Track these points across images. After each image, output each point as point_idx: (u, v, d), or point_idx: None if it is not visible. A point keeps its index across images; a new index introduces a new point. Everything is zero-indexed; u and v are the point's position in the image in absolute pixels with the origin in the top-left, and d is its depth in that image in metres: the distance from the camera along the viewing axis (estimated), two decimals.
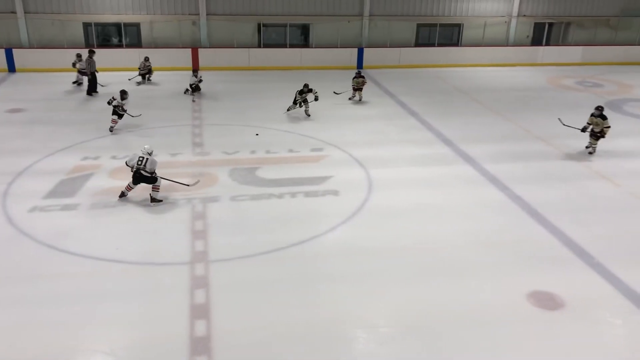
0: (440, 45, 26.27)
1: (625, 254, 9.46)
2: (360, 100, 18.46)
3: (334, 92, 14.55)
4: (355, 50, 24.50)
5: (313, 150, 13.96)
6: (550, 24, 27.32)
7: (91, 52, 18.50)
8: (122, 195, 10.80)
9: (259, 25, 24.27)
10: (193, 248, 9.24)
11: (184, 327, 7.29)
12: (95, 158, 12.94)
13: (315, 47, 24.70)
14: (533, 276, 8.65)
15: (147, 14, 22.91)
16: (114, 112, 14.69)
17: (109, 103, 14.63)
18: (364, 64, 24.45)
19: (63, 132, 14.76)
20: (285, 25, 24.58)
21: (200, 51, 23.00)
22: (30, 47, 21.99)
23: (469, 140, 14.90)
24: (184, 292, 8.03)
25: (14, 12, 21.64)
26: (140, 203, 10.76)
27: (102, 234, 9.61)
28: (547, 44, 27.42)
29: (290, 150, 13.89)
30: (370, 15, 24.95)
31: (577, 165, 13.44)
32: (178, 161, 12.95)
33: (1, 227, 9.77)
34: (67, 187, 11.43)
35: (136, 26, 23.15)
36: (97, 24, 22.81)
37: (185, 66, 22.62)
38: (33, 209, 10.42)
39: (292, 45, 24.76)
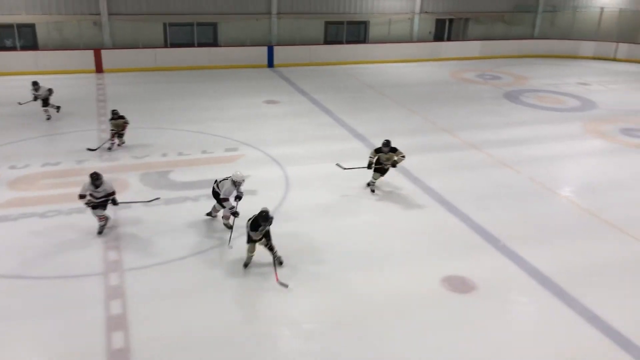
0: (348, 42, 26.75)
1: (528, 235, 10.09)
2: (121, 145, 13.55)
3: (338, 165, 11.70)
4: (265, 48, 24.43)
5: (228, 150, 13.80)
6: (451, 20, 28.58)
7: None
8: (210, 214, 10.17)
9: (164, 24, 23.61)
10: (106, 258, 8.87)
11: (101, 340, 7.01)
12: None
13: (224, 46, 24.38)
14: (446, 262, 9.05)
15: (43, 14, 21.65)
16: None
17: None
18: (275, 62, 24.44)
19: None
20: (192, 24, 24.08)
21: (103, 52, 22.06)
22: None
23: (381, 135, 15.23)
24: (99, 304, 7.71)
25: None
26: (44, 215, 10.19)
27: (4, 249, 9.00)
28: (449, 40, 28.67)
29: (204, 152, 13.65)
30: (278, 13, 24.97)
31: (481, 155, 14.16)
32: (84, 168, 12.36)
33: None
34: None
35: (31, 27, 21.81)
36: None
37: (88, 68, 21.63)
38: None
39: (200, 45, 24.30)
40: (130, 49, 22.73)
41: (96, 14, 22.26)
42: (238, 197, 9.39)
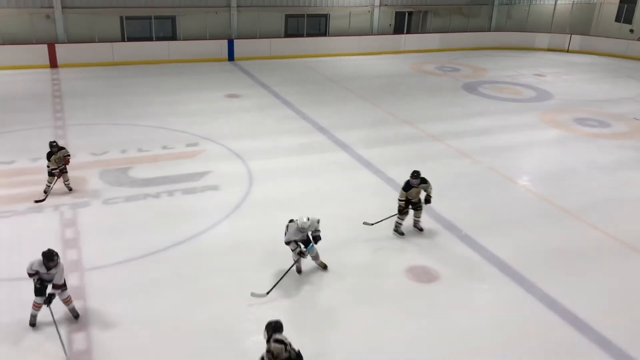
0: (308, 35, 26.69)
1: (488, 224, 10.32)
2: (68, 185, 10.89)
3: (366, 224, 9.85)
4: (225, 42, 24.16)
5: (188, 145, 13.63)
6: (410, 13, 28.82)
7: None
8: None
9: (121, 18, 23.08)
10: (65, 257, 8.65)
11: (58, 345, 6.83)
12: None
13: (183, 40, 24.01)
14: (410, 253, 9.17)
15: None
16: None
17: None
18: (235, 55, 24.20)
19: None
20: (150, 18, 23.61)
21: (58, 47, 21.42)
22: None
23: (343, 128, 15.36)
24: (58, 307, 7.51)
25: None
26: (2, 216, 9.88)
27: None
28: (408, 32, 28.91)
29: (164, 147, 13.46)
30: (238, 7, 24.72)
31: (440, 145, 14.38)
32: (39, 167, 12.00)
33: None
34: None
35: None
36: None
37: (42, 64, 21.00)
38: None
39: (158, 38, 23.85)
40: (85, 43, 22.15)
41: (49, 7, 21.60)
42: (315, 238, 8.34)
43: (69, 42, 22.07)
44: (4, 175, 11.53)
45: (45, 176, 10.57)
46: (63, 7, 21.78)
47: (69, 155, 10.73)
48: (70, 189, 10.88)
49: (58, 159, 10.52)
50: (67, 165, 10.70)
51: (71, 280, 8.05)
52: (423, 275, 8.56)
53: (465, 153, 13.86)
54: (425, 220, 10.19)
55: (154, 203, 10.64)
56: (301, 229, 8.19)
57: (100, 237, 9.36)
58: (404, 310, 7.77)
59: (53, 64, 21.27)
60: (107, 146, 13.29)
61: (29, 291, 7.22)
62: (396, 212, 9.65)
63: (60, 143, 13.16)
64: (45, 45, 21.25)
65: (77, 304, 7.51)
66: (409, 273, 8.60)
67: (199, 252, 8.99)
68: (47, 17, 21.71)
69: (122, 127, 14.85)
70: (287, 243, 8.35)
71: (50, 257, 6.95)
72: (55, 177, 10.57)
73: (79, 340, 6.93)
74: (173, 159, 12.77)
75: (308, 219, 8.20)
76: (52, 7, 21.59)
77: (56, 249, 8.27)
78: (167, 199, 10.81)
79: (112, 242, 9.21)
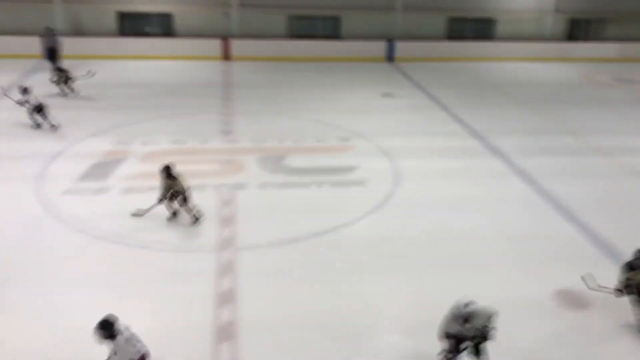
0: (473, 39, 25.91)
1: None
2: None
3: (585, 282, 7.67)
4: (386, 42, 24.33)
5: (340, 140, 13.99)
6: (587, 20, 26.70)
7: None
8: None
9: (289, 16, 24.30)
10: (220, 235, 9.36)
11: (209, 313, 7.40)
12: (128, 143, 13.17)
13: (345, 39, 24.63)
14: (558, 273, 8.54)
15: (180, 4, 23.16)
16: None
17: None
18: (395, 56, 24.28)
19: (97, 117, 15.04)
20: (316, 18, 24.57)
21: (232, 41, 23.15)
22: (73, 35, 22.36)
23: (499, 134, 14.73)
24: (210, 279, 8.15)
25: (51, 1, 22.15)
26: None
27: (129, 220, 9.73)
28: (583, 40, 26.80)
29: (318, 140, 13.95)
30: (402, 8, 24.72)
31: (608, 161, 13.18)
32: (206, 148, 13.13)
33: (35, 207, 10.06)
34: (99, 170, 11.69)
35: (168, 16, 23.41)
36: (130, 14, 23.12)
37: (215, 55, 22.83)
38: (66, 192, 10.70)
39: (322, 37, 24.74)
40: (256, 39, 23.66)
41: (228, 5, 23.41)
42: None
43: (242, 37, 23.72)
44: (176, 153, 12.72)
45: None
46: (240, 5, 23.45)
47: (183, 192, 9.31)
48: (197, 219, 9.59)
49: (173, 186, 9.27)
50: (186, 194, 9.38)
51: (223, 257, 8.70)
52: (573, 300, 7.92)
53: (637, 172, 12.57)
54: (580, 241, 9.42)
55: (303, 192, 11.09)
56: (460, 317, 5.73)
57: (253, 219, 9.95)
58: (540, 333, 7.26)
59: (226, 56, 23.01)
60: (267, 135, 14.10)
61: (193, 262, 7.89)
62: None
63: (226, 129, 14.22)
64: (220, 40, 23.07)
65: (225, 280, 8.10)
66: (556, 295, 8.01)
67: (341, 244, 9.19)
68: (226, 13, 23.51)
69: (283, 118, 15.66)
70: (447, 336, 5.95)
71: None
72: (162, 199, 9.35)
73: (224, 313, 7.44)
74: (325, 151, 13.20)
75: (469, 305, 5.68)
76: (231, 5, 23.36)
77: (212, 227, 8.95)
78: (315, 189, 11.20)
79: (264, 225, 9.75)
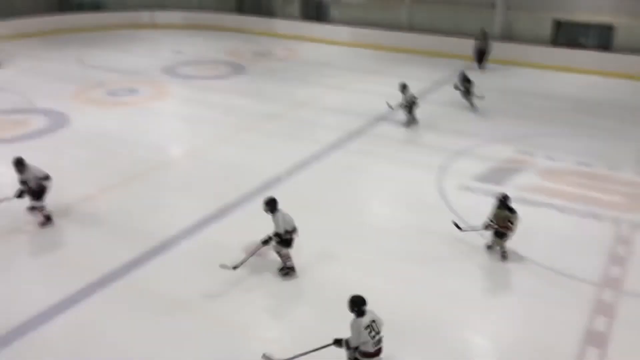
0: None
1: None
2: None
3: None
4: None
5: None
6: None
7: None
8: None
9: None
10: (606, 271, 8.51)
11: (573, 347, 6.93)
12: (531, 154, 13.06)
13: None
14: None
15: (628, 16, 21.20)
16: None
17: None
18: None
19: (506, 123, 15.36)
20: None
21: None
22: (502, 40, 23.20)
23: None
24: (583, 313, 7.56)
25: (492, 6, 23.26)
26: (562, 209, 10.43)
27: (518, 227, 9.66)
28: None
29: None
30: None
31: None
32: (615, 176, 11.92)
33: (433, 196, 11.02)
34: (496, 174, 11.97)
35: (609, 28, 21.77)
36: (568, 23, 22.42)
37: None
38: (462, 187, 11.35)
39: None
40: None
41: None
42: None
43: None
44: (579, 175, 11.98)
45: None
46: None
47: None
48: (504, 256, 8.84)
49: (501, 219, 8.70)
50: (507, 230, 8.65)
51: (604, 295, 7.90)
52: None
53: None
54: None
55: None
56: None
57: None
58: None
59: None
60: None
61: (568, 287, 7.46)
62: None
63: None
64: None
65: (600, 320, 7.36)
66: None
67: None
68: None
69: None
70: None
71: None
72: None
73: (590, 354, 6.81)
74: None
75: None
76: None
77: (600, 259, 8.24)
78: None
79: None
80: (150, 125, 14.90)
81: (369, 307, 5.88)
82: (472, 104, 16.62)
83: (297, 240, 8.23)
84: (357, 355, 5.93)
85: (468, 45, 22.08)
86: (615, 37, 21.60)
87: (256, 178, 11.47)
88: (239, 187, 11.01)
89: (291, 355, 6.23)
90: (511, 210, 8.57)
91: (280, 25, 27.99)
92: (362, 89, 18.73)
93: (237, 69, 21.21)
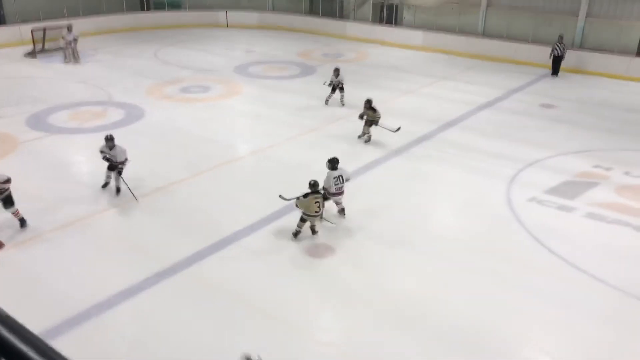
0: None
1: None
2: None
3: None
4: None
5: None
6: None
7: None
8: None
9: None
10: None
11: None
12: (607, 169, 12.44)
13: None
14: None
15: None
16: None
17: None
18: None
19: (582, 135, 14.71)
20: None
21: None
22: (581, 48, 22.30)
23: None
24: None
25: (576, 15, 22.35)
26: (637, 227, 9.90)
27: (587, 246, 9.32)
28: None
29: None
30: None
31: None
32: None
33: (502, 207, 10.67)
34: (569, 188, 11.48)
35: None
36: None
37: None
38: (532, 199, 10.94)
39: None
40: None
41: None
42: None
43: None
44: None
45: None
46: None
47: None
48: None
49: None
50: None
51: None
52: None
53: None
54: None
55: None
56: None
57: None
58: None
59: None
60: None
61: None
62: None
63: None
64: None
65: None
66: None
67: None
68: None
69: None
70: None
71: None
72: None
73: None
74: None
75: None
76: None
77: None
78: None
79: None
80: (220, 122, 15.23)
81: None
82: (328, 99, 16.90)
83: (360, 243, 8.15)
84: (326, 194, 9.34)
85: (544, 53, 21.36)
86: None
87: (320, 179, 11.49)
88: (302, 187, 11.08)
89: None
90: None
91: (351, 27, 28.04)
92: (432, 94, 18.43)
93: (307, 69, 21.39)
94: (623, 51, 21.52)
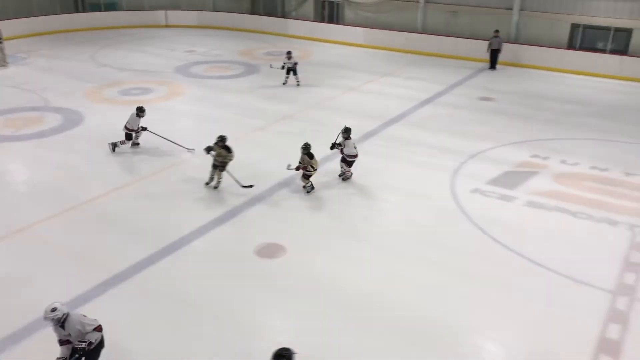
0: None
1: None
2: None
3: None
4: None
5: None
6: None
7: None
8: None
9: None
10: (621, 278, 8.39)
11: (586, 356, 6.84)
12: (545, 158, 12.93)
13: None
14: None
15: None
16: None
17: None
18: None
19: (520, 126, 15.22)
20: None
21: None
22: (516, 42, 23.07)
23: None
24: (596, 320, 7.46)
25: (510, 9, 23.11)
26: (576, 214, 10.33)
27: (529, 233, 9.67)
28: None
29: None
30: None
31: None
32: (629, 181, 11.77)
33: (447, 199, 10.93)
34: (510, 178, 11.86)
35: (627, 32, 21.53)
36: (585, 26, 22.22)
37: None
38: (475, 190, 11.25)
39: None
40: None
41: None
42: None
43: None
44: (593, 180, 11.84)
45: None
46: None
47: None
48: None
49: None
50: None
51: (617, 303, 7.79)
52: None
53: None
54: None
55: None
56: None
57: None
58: None
59: None
60: None
61: (582, 294, 7.34)
62: None
63: None
64: None
65: (613, 328, 7.27)
66: None
67: None
68: None
69: None
70: None
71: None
72: None
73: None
74: None
75: None
76: None
77: (614, 266, 8.20)
78: None
79: None
80: (163, 125, 14.89)
81: None
82: (286, 81, 18.83)
83: (309, 239, 8.16)
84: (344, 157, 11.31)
85: (482, 47, 22.00)
86: (633, 41, 21.37)
87: (269, 179, 11.47)
88: (250, 189, 11.01)
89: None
90: (311, 156, 10.62)
91: (294, 26, 28.03)
92: (375, 90, 18.66)
93: (250, 68, 21.24)
94: (556, 44, 22.42)
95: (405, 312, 7.52)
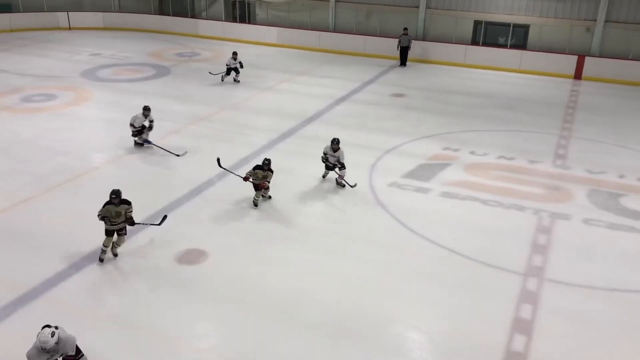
0: None
1: None
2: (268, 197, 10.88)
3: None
4: (575, 57, 21.21)
5: None
6: None
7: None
8: None
9: None
10: (530, 260, 8.89)
11: (502, 335, 7.17)
12: (455, 150, 13.47)
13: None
14: None
15: (540, 16, 22.38)
16: None
17: None
18: (583, 74, 21.13)
19: (431, 120, 15.79)
20: None
21: (587, 60, 21.36)
22: (424, 39, 23.91)
23: None
24: (510, 302, 7.85)
25: (416, 7, 23.91)
26: (486, 202, 10.83)
27: (444, 222, 10.04)
28: None
29: None
30: (607, 21, 21.13)
31: None
32: (534, 169, 12.51)
33: (365, 194, 11.14)
34: (424, 171, 12.26)
35: (525, 28, 22.88)
36: (487, 23, 23.37)
37: (566, 74, 21.44)
38: (392, 184, 11.55)
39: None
40: (617, 59, 21.30)
41: (591, 20, 21.66)
42: None
43: (600, 56, 21.68)
44: (501, 169, 12.49)
45: None
46: (606, 21, 21.45)
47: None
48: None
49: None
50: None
51: (528, 284, 8.24)
52: None
53: None
54: None
55: (636, 239, 9.68)
56: None
57: (568, 253, 9.16)
58: None
59: (577, 75, 21.42)
60: (605, 166, 12.69)
61: (496, 279, 7.70)
62: None
63: (560, 153, 13.39)
64: (576, 57, 21.52)
65: (526, 308, 7.68)
66: None
67: None
68: (587, 29, 21.83)
69: (627, 150, 13.87)
70: None
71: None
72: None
73: (517, 342, 7.08)
74: None
75: None
76: (595, 20, 21.54)
77: (524, 250, 8.65)
78: None
79: (579, 263, 8.89)
80: (70, 132, 14.19)
81: None
82: (223, 77, 19.14)
83: (230, 242, 8.05)
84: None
85: (392, 45, 22.61)
86: (530, 36, 22.74)
87: (186, 183, 11.20)
88: (169, 193, 10.73)
89: None
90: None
91: (204, 26, 27.57)
92: (291, 90, 18.71)
93: (161, 70, 20.66)
94: (460, 40, 23.43)
95: (330, 308, 7.58)
